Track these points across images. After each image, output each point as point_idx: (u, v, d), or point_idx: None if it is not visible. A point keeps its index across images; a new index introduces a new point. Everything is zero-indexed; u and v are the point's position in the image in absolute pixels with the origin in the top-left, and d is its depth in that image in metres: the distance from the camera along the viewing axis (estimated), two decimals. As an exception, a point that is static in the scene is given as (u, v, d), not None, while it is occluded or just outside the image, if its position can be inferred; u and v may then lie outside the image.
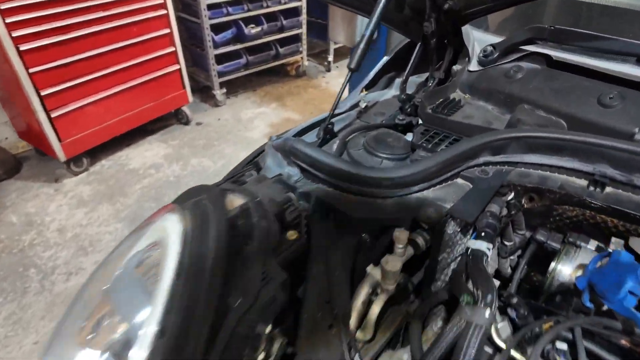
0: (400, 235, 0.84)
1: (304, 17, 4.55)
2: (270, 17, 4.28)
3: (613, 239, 0.92)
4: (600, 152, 0.89)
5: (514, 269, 1.12)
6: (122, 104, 3.39)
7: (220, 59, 4.08)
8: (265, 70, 4.58)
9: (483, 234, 0.84)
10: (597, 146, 0.89)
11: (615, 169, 0.89)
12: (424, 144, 1.10)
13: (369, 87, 1.58)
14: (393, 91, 1.55)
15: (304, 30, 4.63)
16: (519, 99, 1.17)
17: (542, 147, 0.94)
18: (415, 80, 1.51)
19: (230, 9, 3.94)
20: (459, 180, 0.99)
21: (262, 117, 4.20)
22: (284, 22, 4.39)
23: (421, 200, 0.93)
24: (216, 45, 3.99)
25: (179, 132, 3.90)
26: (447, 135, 1.13)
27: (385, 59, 1.56)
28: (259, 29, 4.20)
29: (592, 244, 1.02)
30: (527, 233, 1.17)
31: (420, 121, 1.23)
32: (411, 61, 1.35)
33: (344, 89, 1.19)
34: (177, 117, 3.99)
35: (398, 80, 1.56)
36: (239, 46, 4.17)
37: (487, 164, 1.00)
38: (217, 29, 3.92)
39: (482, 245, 0.81)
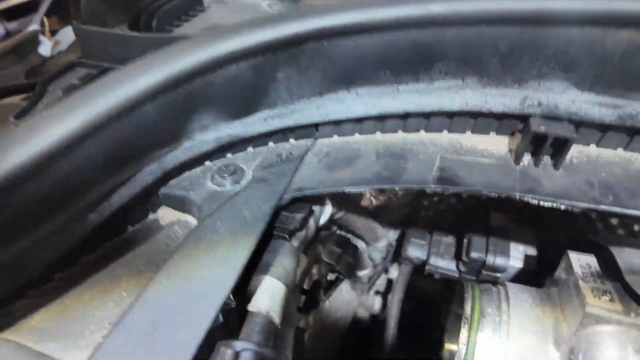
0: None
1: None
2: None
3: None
4: (539, 41, 0.28)
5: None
6: None
7: None
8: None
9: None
10: (521, 20, 0.27)
11: (603, 92, 0.31)
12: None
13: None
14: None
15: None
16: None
17: (373, 61, 0.30)
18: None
19: None
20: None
21: None
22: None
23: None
24: None
25: None
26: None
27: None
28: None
29: (517, 253, 0.50)
30: (389, 239, 0.65)
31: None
32: None
33: None
34: None
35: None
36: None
37: (226, 147, 0.33)
38: None
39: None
